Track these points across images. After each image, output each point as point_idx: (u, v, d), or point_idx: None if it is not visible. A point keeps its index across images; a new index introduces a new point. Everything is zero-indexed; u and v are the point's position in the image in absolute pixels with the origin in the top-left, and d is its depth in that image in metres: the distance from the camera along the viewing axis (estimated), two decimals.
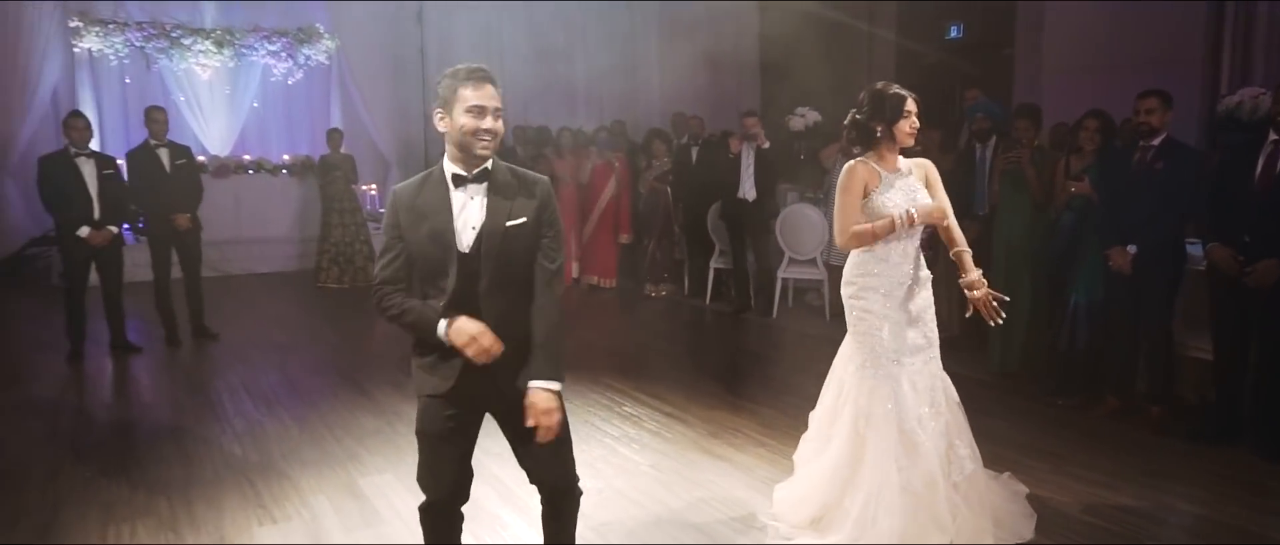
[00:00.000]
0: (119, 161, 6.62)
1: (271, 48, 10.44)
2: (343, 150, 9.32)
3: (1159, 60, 6.93)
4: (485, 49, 12.22)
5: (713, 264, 8.06)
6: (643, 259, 8.73)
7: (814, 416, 3.57)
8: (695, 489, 3.87)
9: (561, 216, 6.43)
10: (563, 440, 2.47)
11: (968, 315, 3.45)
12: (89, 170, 5.98)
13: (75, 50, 9.70)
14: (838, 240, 3.35)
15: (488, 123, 2.33)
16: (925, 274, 3.43)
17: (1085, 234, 4.77)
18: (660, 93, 12.44)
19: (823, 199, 7.36)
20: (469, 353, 2.28)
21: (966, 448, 3.37)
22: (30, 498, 3.81)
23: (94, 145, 9.54)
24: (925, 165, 3.46)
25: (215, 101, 10.53)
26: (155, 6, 10.09)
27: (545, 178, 2.54)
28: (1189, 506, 3.68)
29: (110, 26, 9.67)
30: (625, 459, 4.24)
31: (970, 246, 5.72)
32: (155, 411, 5.11)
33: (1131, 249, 4.39)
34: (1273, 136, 4.06)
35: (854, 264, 3.38)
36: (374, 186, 10.99)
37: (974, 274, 3.39)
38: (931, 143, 6.30)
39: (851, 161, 3.33)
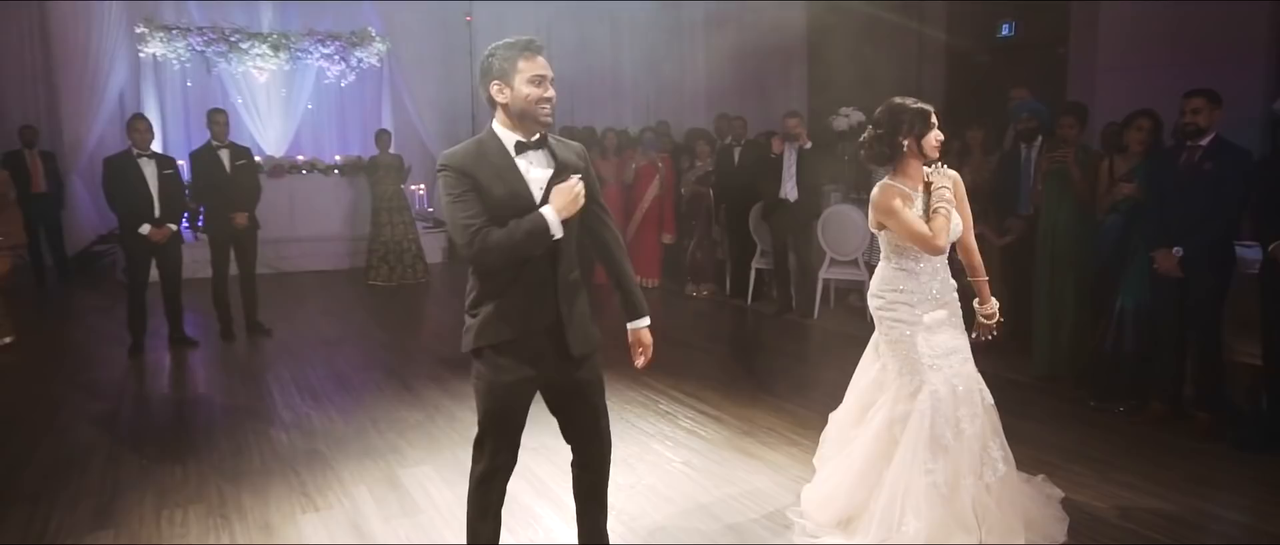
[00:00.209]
0: (179, 162, 6.90)
1: (325, 51, 10.72)
2: (392, 151, 9.53)
3: (1219, 59, 6.75)
4: None
5: (754, 264, 8.06)
6: (685, 259, 8.76)
7: (835, 417, 3.57)
8: (725, 486, 3.90)
9: None
10: (605, 411, 2.76)
11: (974, 336, 3.42)
12: (150, 170, 6.22)
13: (140, 55, 10.09)
14: (938, 244, 3.17)
15: (549, 91, 2.46)
16: (951, 282, 3.40)
17: (1132, 236, 4.68)
18: (706, 94, 12.46)
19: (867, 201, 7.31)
20: (569, 199, 2.45)
21: (1000, 449, 3.34)
22: (91, 481, 4.01)
23: (156, 146, 10.00)
24: (953, 177, 3.42)
25: (272, 104, 10.86)
26: (215, 10, 10.43)
27: (580, 143, 2.69)
28: (1233, 515, 3.60)
29: (173, 32, 10.03)
30: (658, 455, 4.29)
31: (1013, 247, 5.70)
32: (209, 403, 5.31)
33: (1178, 252, 4.30)
34: None
35: (883, 278, 3.35)
36: (422, 186, 11.22)
37: (991, 305, 3.42)
38: (975, 143, 6.22)
39: (883, 183, 3.28)
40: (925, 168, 3.29)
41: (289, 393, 5.39)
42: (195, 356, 6.34)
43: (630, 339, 2.78)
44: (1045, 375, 5.35)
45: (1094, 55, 8.77)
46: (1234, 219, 4.30)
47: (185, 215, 8.91)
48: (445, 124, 11.87)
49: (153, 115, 10.22)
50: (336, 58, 10.85)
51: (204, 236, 7.20)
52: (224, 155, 6.79)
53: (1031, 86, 9.41)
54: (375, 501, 3.76)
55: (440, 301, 8.82)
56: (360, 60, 10.98)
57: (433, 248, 10.51)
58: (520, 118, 2.47)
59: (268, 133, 10.86)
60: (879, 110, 3.27)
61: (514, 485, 3.70)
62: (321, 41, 10.72)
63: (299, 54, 10.65)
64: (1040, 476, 3.68)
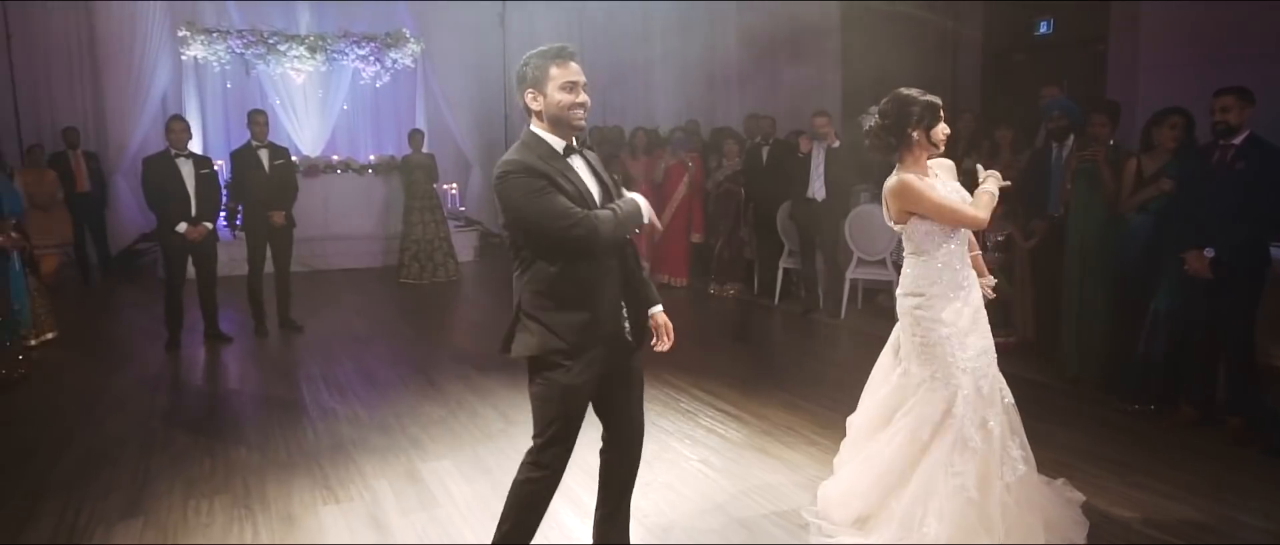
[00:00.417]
0: (218, 162, 7.07)
1: (361, 52, 10.88)
2: (425, 150, 9.65)
3: (1264, 56, 6.57)
4: None
5: (781, 264, 8.03)
6: (712, 258, 8.76)
7: (854, 423, 3.52)
8: (742, 484, 3.90)
9: None
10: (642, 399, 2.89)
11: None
12: (187, 170, 6.37)
13: (182, 58, 10.34)
14: (982, 219, 3.17)
15: (582, 97, 2.55)
16: (974, 277, 3.37)
17: (1162, 237, 4.58)
18: (739, 93, 12.43)
19: None
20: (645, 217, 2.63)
21: (1019, 449, 3.30)
22: (123, 472, 4.12)
23: (197, 146, 10.26)
24: (947, 164, 3.40)
25: (308, 104, 11.06)
26: (254, 13, 10.65)
27: (593, 153, 2.77)
28: (1260, 522, 3.51)
29: (214, 35, 10.26)
30: (676, 453, 4.30)
31: (1040, 246, 5.62)
32: (239, 396, 5.43)
33: (1209, 252, 4.21)
34: None
35: (917, 274, 3.28)
36: (454, 185, 11.34)
37: (990, 281, 3.46)
38: (1004, 141, 6.14)
39: (901, 177, 3.23)
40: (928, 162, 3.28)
41: (317, 387, 5.49)
42: (229, 352, 6.49)
43: (651, 324, 2.83)
44: (1074, 378, 5.26)
45: (1135, 53, 8.58)
46: (1267, 219, 4.18)
47: (224, 213, 9.16)
48: (478, 123, 12.01)
49: (193, 116, 10.49)
50: (372, 59, 11.02)
51: (242, 234, 7.35)
52: (263, 155, 6.94)
53: (1070, 85, 9.29)
54: (394, 495, 3.82)
55: (470, 299, 8.91)
56: (395, 61, 11.13)
57: (464, 246, 10.63)
58: (555, 124, 2.57)
59: (305, 133, 11.06)
60: (885, 101, 3.24)
61: None
62: (357, 43, 10.89)
63: (335, 55, 10.83)
64: (1060, 480, 3.63)
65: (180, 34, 10.18)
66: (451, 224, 10.23)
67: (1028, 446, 3.32)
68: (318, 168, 10.48)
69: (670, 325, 2.85)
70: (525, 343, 2.59)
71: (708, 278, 8.76)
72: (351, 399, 5.26)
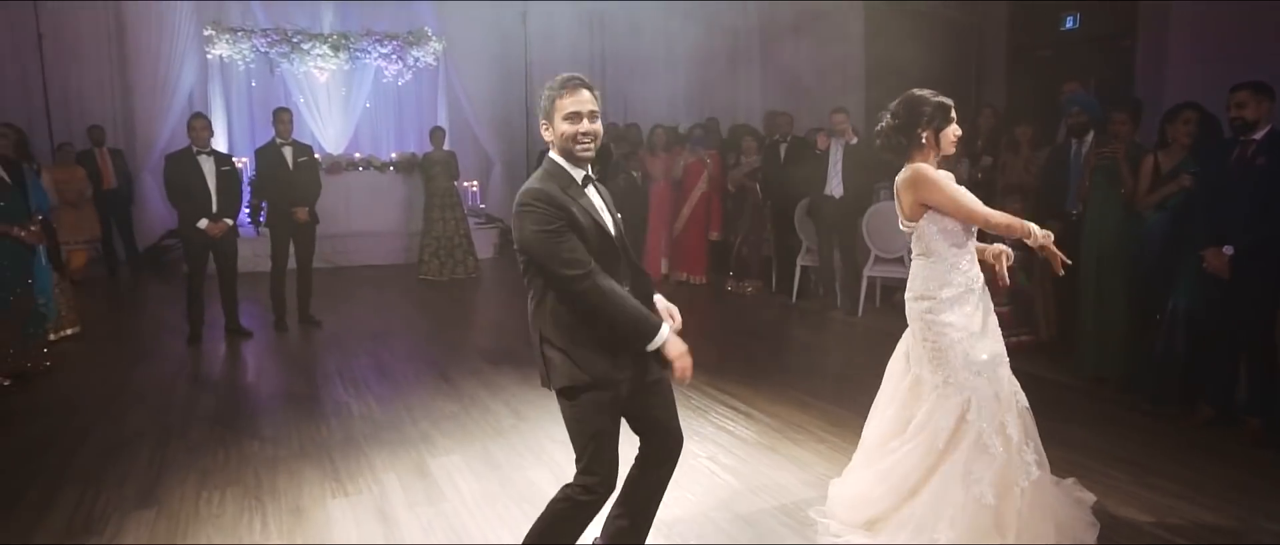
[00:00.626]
0: (236, 159, 7.16)
1: (383, 51, 10.97)
2: (446, 147, 9.71)
3: None
4: (587, 48, 12.51)
5: (799, 261, 7.99)
6: (731, 256, 8.73)
7: (867, 435, 3.45)
8: (749, 482, 3.89)
9: (654, 213, 6.61)
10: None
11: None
12: (209, 167, 6.46)
13: (208, 57, 10.47)
14: (992, 221, 3.12)
15: (585, 126, 2.51)
16: (982, 277, 3.32)
17: (1181, 235, 4.51)
18: (761, 91, 12.40)
19: None
20: (677, 367, 2.50)
21: (1033, 453, 3.24)
22: (140, 463, 4.20)
23: (223, 144, 10.40)
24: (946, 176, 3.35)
25: (332, 103, 11.16)
26: (278, 12, 10.77)
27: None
28: (1276, 526, 3.44)
29: (238, 34, 10.39)
30: (685, 450, 4.25)
31: (1056, 246, 5.55)
32: (256, 391, 5.50)
33: (1228, 250, 4.13)
34: None
35: (926, 277, 3.25)
36: (475, 183, 11.40)
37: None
38: (1023, 138, 6.07)
39: (914, 165, 3.19)
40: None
41: (333, 382, 5.55)
42: (248, 346, 6.57)
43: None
44: (1092, 377, 5.19)
45: (1164, 49, 8.46)
46: None
47: (248, 210, 9.28)
48: (499, 121, 12.06)
49: (219, 114, 10.64)
50: (394, 57, 11.09)
51: (266, 231, 7.45)
52: (287, 152, 7.02)
53: (1097, 81, 9.15)
54: (402, 489, 3.85)
55: (489, 296, 8.96)
56: (417, 59, 11.20)
57: (484, 243, 10.68)
58: (566, 156, 2.55)
59: (328, 130, 11.17)
60: (896, 101, 3.20)
61: (536, 474, 3.76)
62: (379, 41, 10.97)
63: (358, 54, 10.92)
64: (1070, 480, 3.58)
65: (206, 33, 10.32)
66: (472, 221, 10.29)
67: (1042, 450, 3.28)
68: (340, 165, 10.57)
69: (673, 308, 2.77)
70: (558, 373, 2.56)
71: (726, 275, 8.74)
72: (366, 394, 5.30)
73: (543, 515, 2.66)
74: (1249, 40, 6.94)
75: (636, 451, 2.79)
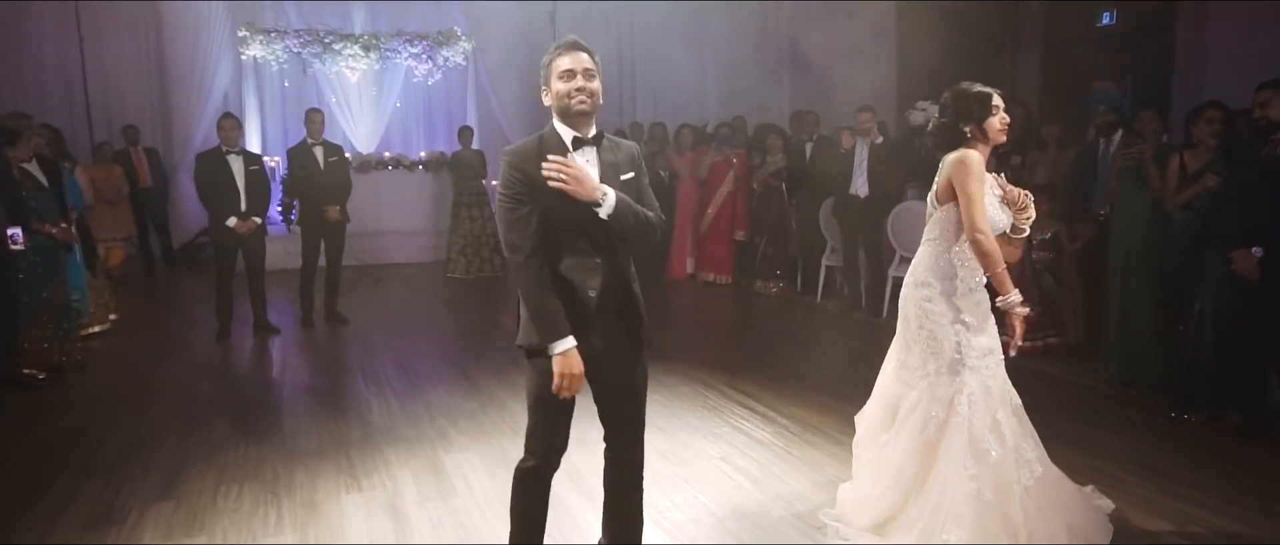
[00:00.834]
0: (269, 158, 7.29)
1: (413, 51, 11.07)
2: (474, 146, 9.78)
3: None
4: (617, 48, 12.52)
5: (824, 261, 7.93)
6: (756, 255, 8.69)
7: (861, 421, 3.46)
8: (760, 483, 3.87)
9: (680, 212, 6.45)
10: (643, 398, 2.74)
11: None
12: (237, 166, 6.57)
13: (242, 57, 10.65)
14: (974, 237, 3.04)
15: (579, 82, 2.47)
16: (983, 274, 3.27)
17: (1209, 235, 4.39)
18: (791, 89, 12.31)
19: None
20: (556, 382, 2.47)
21: (1033, 450, 3.21)
22: (163, 455, 4.28)
23: (256, 143, 10.58)
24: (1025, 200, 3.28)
25: (363, 102, 11.29)
26: (311, 13, 10.92)
27: (635, 145, 2.73)
28: None
29: (272, 34, 10.55)
30: (698, 450, 4.28)
31: (1084, 250, 5.45)
32: (280, 386, 5.59)
33: (1257, 251, 4.02)
34: None
35: (930, 264, 3.22)
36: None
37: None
38: (1051, 137, 5.96)
39: (966, 151, 3.11)
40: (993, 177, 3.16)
41: (355, 379, 5.62)
42: (275, 342, 6.68)
43: None
44: (1117, 381, 5.08)
45: (1203, 46, 8.26)
46: None
47: (280, 208, 9.44)
48: (528, 120, 12.07)
49: (252, 114, 10.83)
50: (424, 57, 11.19)
51: (298, 228, 7.57)
52: (318, 152, 7.12)
53: (1135, 79, 8.95)
54: (415, 485, 3.89)
55: (514, 295, 8.87)
56: (446, 59, 11.29)
57: None
58: (562, 115, 2.52)
59: (359, 130, 11.30)
60: (945, 95, 3.19)
61: (555, 479, 3.77)
62: (409, 41, 11.07)
63: (388, 54, 11.03)
64: (1089, 487, 3.50)
65: (240, 34, 10.49)
66: None
67: (1042, 447, 3.23)
68: (370, 164, 10.70)
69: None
70: (519, 333, 2.63)
71: (752, 275, 8.70)
72: (386, 390, 5.36)
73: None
74: None
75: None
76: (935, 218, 3.24)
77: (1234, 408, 4.34)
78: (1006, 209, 3.19)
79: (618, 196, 2.48)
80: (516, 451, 4.18)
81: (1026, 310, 3.10)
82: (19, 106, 9.39)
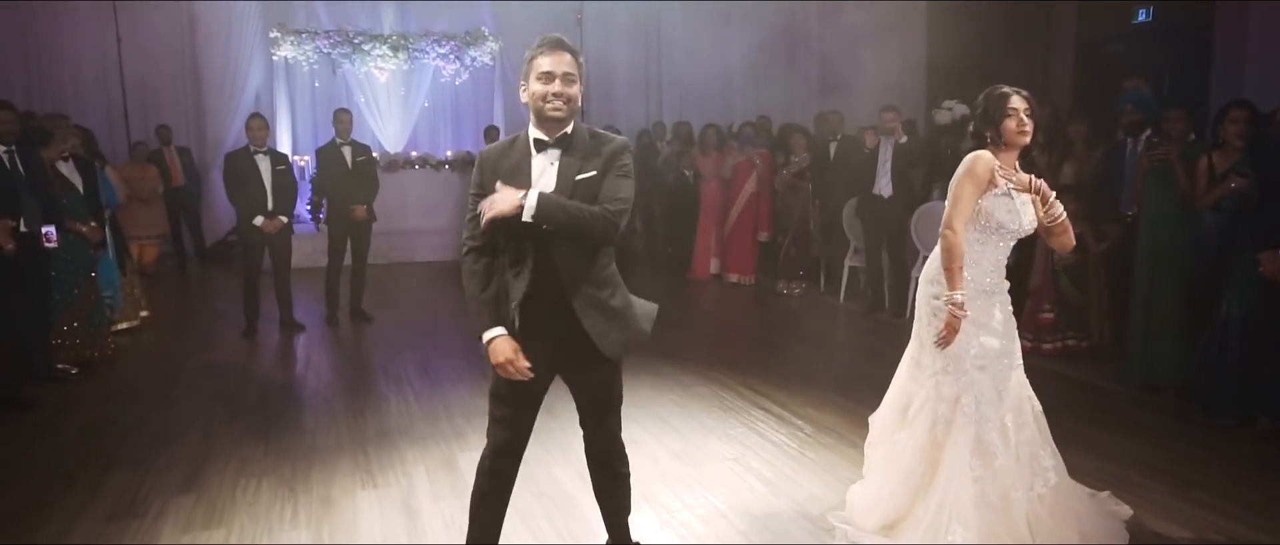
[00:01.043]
0: (295, 157, 7.40)
1: (441, 51, 11.18)
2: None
3: None
4: (643, 47, 12.54)
5: (847, 262, 7.88)
6: (779, 255, 8.65)
7: (875, 420, 3.46)
8: (772, 485, 3.86)
9: (704, 212, 6.28)
10: (609, 396, 2.74)
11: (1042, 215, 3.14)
12: (265, 166, 6.67)
13: (273, 58, 10.83)
14: (943, 231, 3.11)
15: (556, 87, 2.44)
16: (1005, 279, 3.24)
17: (1237, 237, 4.30)
18: (819, 89, 12.23)
19: None
20: (501, 372, 2.51)
21: (1051, 458, 3.19)
22: (186, 450, 4.37)
23: (286, 143, 10.73)
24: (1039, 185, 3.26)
25: (391, 102, 11.43)
26: (341, 13, 11.06)
27: (624, 139, 2.64)
28: None
29: (303, 35, 10.71)
30: (711, 450, 4.28)
31: (1112, 251, 5.36)
32: (302, 383, 5.67)
33: None
34: None
35: (939, 260, 3.23)
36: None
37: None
38: (1077, 137, 5.87)
39: (982, 150, 3.13)
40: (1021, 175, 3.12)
41: (375, 377, 5.69)
42: (300, 340, 6.78)
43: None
44: (1138, 385, 5.00)
45: (1243, 43, 8.08)
46: None
47: (309, 207, 9.56)
48: None
49: (283, 114, 11.00)
50: (451, 57, 11.29)
51: (325, 227, 7.68)
52: (346, 152, 7.21)
53: (1172, 78, 8.78)
54: (429, 482, 3.93)
55: None
56: (474, 59, 11.38)
57: None
58: (536, 116, 2.50)
59: (387, 129, 11.44)
60: (980, 97, 3.18)
61: (562, 472, 3.79)
62: (437, 41, 11.18)
63: (416, 54, 11.15)
64: (1105, 492, 3.45)
65: (272, 35, 10.67)
66: None
67: (1059, 456, 3.20)
68: (397, 163, 10.81)
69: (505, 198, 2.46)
70: None
71: (775, 275, 8.66)
72: (406, 389, 5.42)
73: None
74: None
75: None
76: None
77: (1261, 413, 4.25)
78: (1029, 205, 3.13)
79: (541, 199, 2.41)
80: (532, 453, 4.25)
81: (963, 312, 3.06)
82: (59, 106, 9.66)
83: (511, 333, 2.54)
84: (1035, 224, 3.15)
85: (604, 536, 3.07)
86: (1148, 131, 5.27)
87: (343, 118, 7.30)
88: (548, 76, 2.45)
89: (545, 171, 2.51)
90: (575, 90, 2.48)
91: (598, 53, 12.13)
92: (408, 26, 11.30)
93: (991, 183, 3.06)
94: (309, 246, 9.15)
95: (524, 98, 2.51)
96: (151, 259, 9.35)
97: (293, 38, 10.68)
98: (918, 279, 7.13)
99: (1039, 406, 3.20)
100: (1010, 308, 3.22)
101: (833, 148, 8.04)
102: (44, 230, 5.15)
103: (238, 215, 6.82)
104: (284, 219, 6.75)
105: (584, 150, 2.53)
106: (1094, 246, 5.58)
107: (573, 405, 2.83)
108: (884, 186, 7.17)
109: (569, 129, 2.52)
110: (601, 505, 2.95)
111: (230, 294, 8.52)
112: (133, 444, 4.47)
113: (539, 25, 11.65)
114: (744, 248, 8.90)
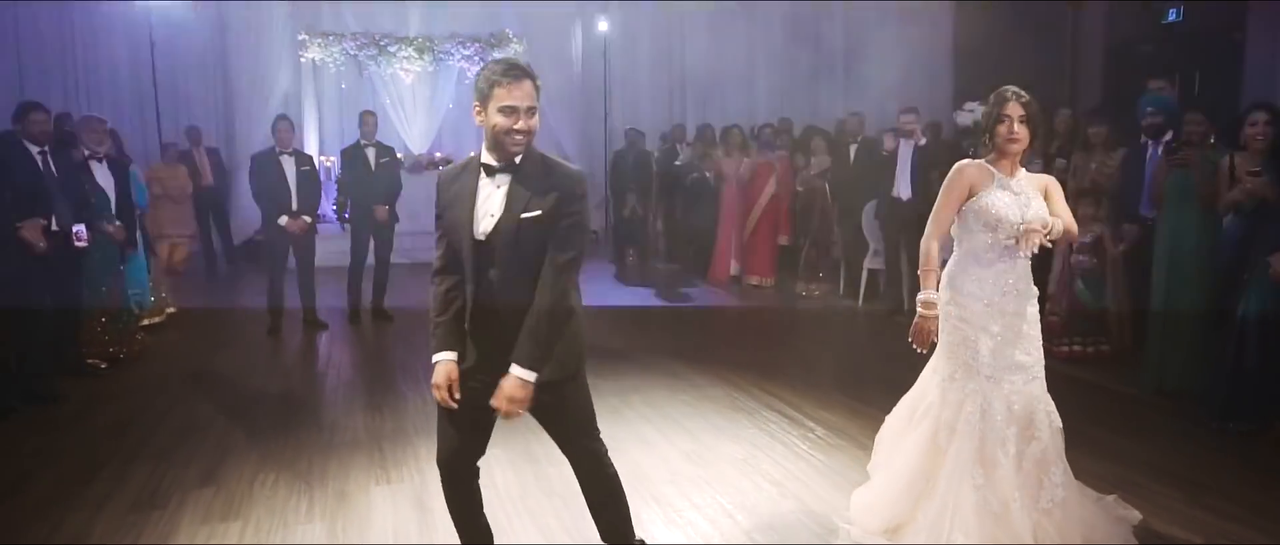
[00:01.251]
0: (322, 158, 7.53)
1: (465, 53, 11.30)
2: None
3: None
4: (666, 48, 12.58)
5: (866, 264, 7.86)
6: (799, 257, 8.65)
7: (888, 420, 3.48)
8: (780, 486, 3.88)
9: (724, 215, 6.13)
10: (570, 409, 2.68)
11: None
12: (290, 167, 6.81)
13: (301, 61, 11.01)
14: (923, 244, 3.21)
15: (520, 124, 2.39)
16: (1033, 289, 3.22)
17: (1255, 240, 4.25)
18: (844, 91, 12.19)
19: None
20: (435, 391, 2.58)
21: (1061, 475, 3.16)
22: (207, 444, 4.48)
23: (313, 144, 10.89)
24: (1046, 179, 3.27)
25: (417, 103, 11.57)
26: (366, 17, 11.21)
27: (578, 170, 2.60)
28: None
29: (330, 37, 10.88)
30: (720, 450, 4.31)
31: (1131, 252, 5.31)
32: (322, 380, 5.79)
33: None
34: None
35: (953, 265, 3.24)
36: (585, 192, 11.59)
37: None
38: (1097, 139, 5.82)
39: (963, 161, 3.19)
40: (1023, 170, 3.14)
41: (393, 374, 5.78)
42: (322, 337, 6.90)
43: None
44: (1151, 389, 4.95)
45: (1275, 43, 7.97)
46: None
47: (334, 207, 9.71)
48: (578, 121, 12.24)
49: (310, 116, 11.18)
50: (476, 59, 11.39)
51: (349, 227, 7.80)
52: (370, 153, 7.34)
53: (1202, 79, 8.66)
54: (439, 478, 3.99)
55: None
56: None
57: None
58: (493, 144, 2.46)
59: (413, 131, 11.58)
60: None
61: (572, 471, 3.84)
62: (462, 44, 11.31)
63: (442, 56, 11.29)
64: (1112, 497, 3.43)
65: (300, 38, 10.84)
66: None
67: (1069, 472, 3.19)
68: (421, 164, 10.94)
69: (514, 399, 2.50)
70: None
71: (795, 277, 8.66)
72: (423, 387, 5.47)
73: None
74: None
75: None
76: (955, 221, 3.23)
77: (1277, 418, 4.20)
78: (1036, 200, 3.12)
79: (526, 366, 2.46)
80: (541, 450, 4.32)
81: (932, 311, 3.09)
82: (94, 107, 9.89)
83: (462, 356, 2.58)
84: (1045, 215, 3.12)
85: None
86: (1168, 134, 5.22)
87: (367, 120, 7.43)
88: (511, 111, 2.38)
89: (491, 196, 2.47)
90: (536, 121, 2.45)
91: (620, 54, 12.20)
92: (433, 29, 11.42)
93: (974, 190, 3.08)
94: (333, 246, 9.26)
95: (479, 120, 2.46)
96: (181, 257, 9.53)
97: (320, 40, 10.85)
98: None
99: (1059, 422, 3.17)
100: (1036, 316, 3.19)
101: (853, 150, 8.02)
102: (74, 229, 5.30)
103: (263, 215, 6.95)
104: (308, 219, 6.88)
105: (535, 180, 2.46)
106: (1113, 249, 5.54)
107: None
108: (903, 189, 7.15)
109: (519, 157, 2.46)
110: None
111: (255, 292, 8.65)
112: (157, 437, 4.59)
113: (563, 27, 11.78)
114: (764, 250, 8.90)
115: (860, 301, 7.89)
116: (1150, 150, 5.38)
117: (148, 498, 3.82)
